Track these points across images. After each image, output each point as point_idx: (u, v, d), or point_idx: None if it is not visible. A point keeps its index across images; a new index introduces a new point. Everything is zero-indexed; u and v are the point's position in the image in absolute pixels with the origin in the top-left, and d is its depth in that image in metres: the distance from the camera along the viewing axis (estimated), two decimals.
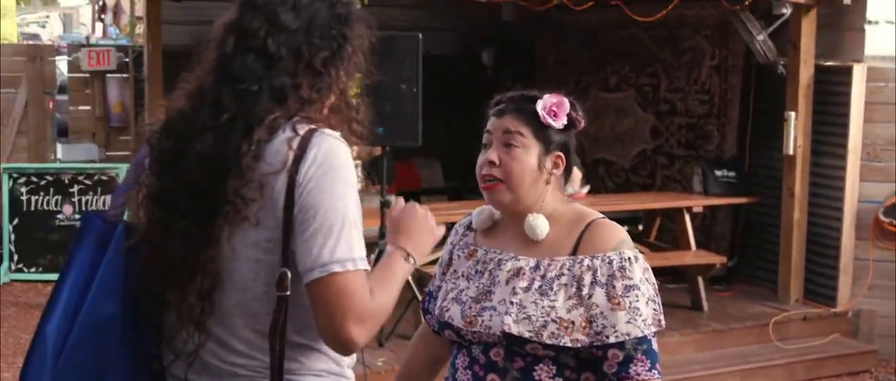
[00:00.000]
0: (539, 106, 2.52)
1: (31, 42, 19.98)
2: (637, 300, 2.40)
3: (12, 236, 8.86)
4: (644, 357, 2.39)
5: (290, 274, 2.20)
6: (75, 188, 8.93)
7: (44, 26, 33.36)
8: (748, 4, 7.86)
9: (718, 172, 8.31)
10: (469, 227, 2.71)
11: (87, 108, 9.80)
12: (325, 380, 2.33)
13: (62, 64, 11.07)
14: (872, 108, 7.66)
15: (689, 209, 8.06)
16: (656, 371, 2.41)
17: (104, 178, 8.98)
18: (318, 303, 2.18)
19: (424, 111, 6.32)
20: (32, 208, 8.89)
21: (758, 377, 7.03)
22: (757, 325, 7.47)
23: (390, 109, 5.91)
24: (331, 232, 2.16)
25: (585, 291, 2.41)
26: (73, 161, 9.41)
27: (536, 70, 10.54)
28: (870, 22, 7.75)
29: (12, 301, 8.24)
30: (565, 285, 2.43)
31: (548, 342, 2.39)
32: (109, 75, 9.73)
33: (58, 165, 9.27)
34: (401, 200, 2.56)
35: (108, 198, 8.37)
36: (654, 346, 2.43)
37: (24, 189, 8.88)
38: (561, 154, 2.55)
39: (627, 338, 2.38)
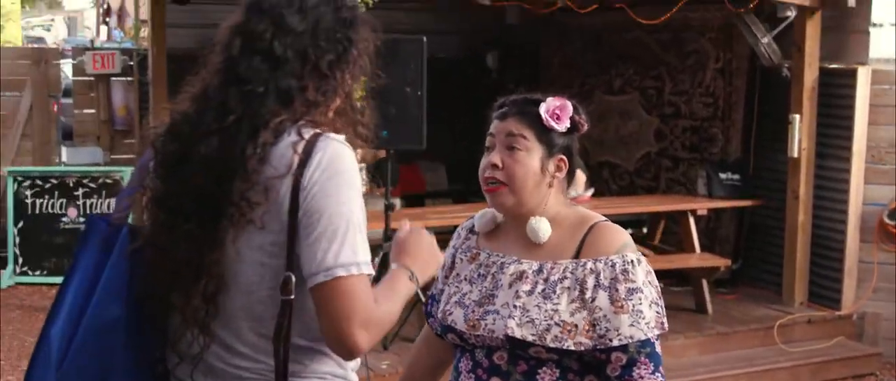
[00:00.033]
0: (542, 109, 2.52)
1: (35, 45, 20.00)
2: (640, 303, 2.40)
3: (17, 239, 8.87)
4: (647, 360, 2.40)
5: (294, 278, 2.20)
6: (80, 191, 8.94)
7: (48, 30, 33.40)
8: (752, 7, 7.86)
9: (723, 175, 8.30)
10: (471, 230, 2.71)
11: (92, 111, 9.80)
12: None
13: (67, 67, 11.07)
14: (877, 110, 7.66)
15: (693, 212, 8.05)
16: (660, 374, 2.42)
17: (109, 181, 8.99)
18: (323, 307, 2.18)
19: (429, 114, 6.32)
20: (37, 212, 8.90)
21: (762, 380, 7.02)
22: (761, 328, 7.46)
23: (395, 113, 5.91)
24: (335, 236, 2.16)
25: (588, 294, 2.41)
26: (77, 164, 9.42)
27: (541, 73, 10.55)
28: (874, 25, 7.75)
29: (17, 304, 8.25)
30: (568, 288, 2.43)
31: (551, 345, 2.39)
32: (114, 79, 9.73)
33: (62, 168, 9.28)
34: (407, 222, 2.56)
35: (113, 201, 8.38)
36: (658, 349, 2.43)
37: (28, 192, 8.89)
38: (564, 157, 2.56)
39: (631, 341, 2.38)
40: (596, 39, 9.92)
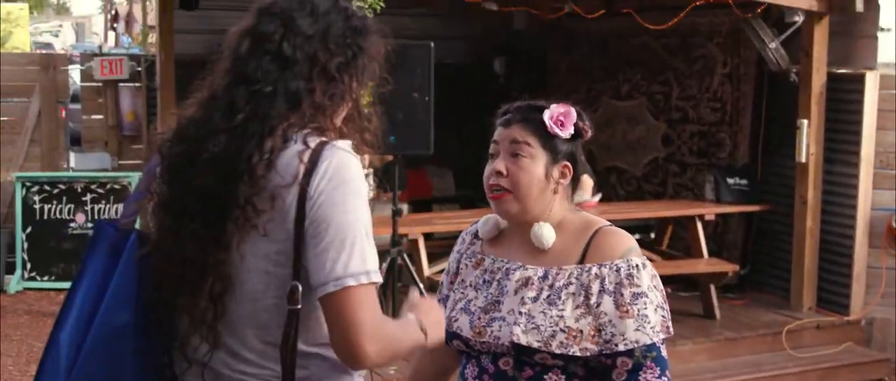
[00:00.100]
0: (546, 116, 2.52)
1: (43, 51, 20.05)
2: (645, 308, 2.40)
3: (25, 245, 8.89)
4: (654, 364, 2.40)
5: (300, 288, 2.20)
6: (88, 197, 8.96)
7: (57, 35, 33.47)
8: (760, 12, 7.86)
9: (730, 180, 8.29)
10: (476, 235, 2.71)
11: (100, 117, 9.83)
12: None
13: (75, 73, 11.11)
14: (885, 115, 7.64)
15: (701, 217, 8.05)
16: (666, 378, 2.42)
17: (117, 186, 9.01)
18: (333, 317, 2.18)
19: (436, 120, 6.33)
20: (45, 217, 8.92)
21: None
22: (769, 333, 7.45)
23: (402, 118, 5.91)
24: (343, 246, 2.16)
25: (593, 299, 2.41)
26: (85, 170, 9.44)
27: (548, 78, 10.55)
28: (882, 29, 7.73)
29: (25, 309, 8.26)
30: (573, 293, 2.43)
31: (557, 351, 2.39)
32: (122, 84, 9.76)
33: (70, 173, 9.30)
34: (416, 292, 2.55)
35: (121, 206, 8.40)
36: (664, 353, 2.43)
37: (36, 198, 8.91)
38: (568, 164, 2.56)
39: (636, 346, 2.38)
40: (603, 45, 9.91)
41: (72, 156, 9.86)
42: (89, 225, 8.85)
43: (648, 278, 2.45)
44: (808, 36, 7.65)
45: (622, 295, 2.40)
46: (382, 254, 6.51)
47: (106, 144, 9.80)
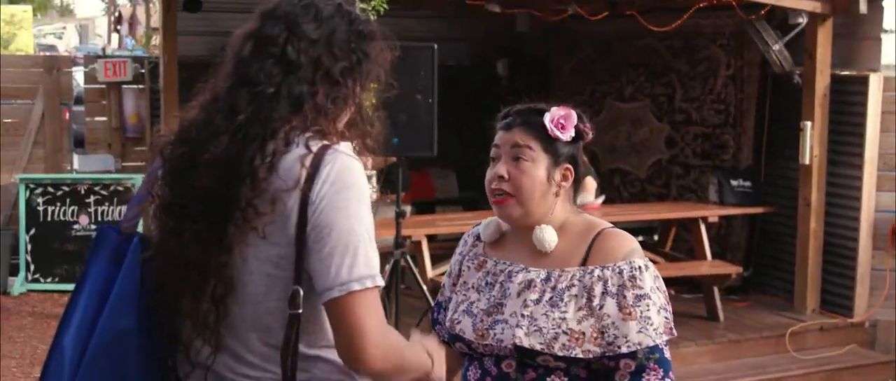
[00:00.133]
0: (546, 119, 2.52)
1: (47, 53, 20.08)
2: (648, 310, 2.40)
3: (29, 247, 8.89)
4: (657, 366, 2.39)
5: (302, 292, 2.20)
6: (91, 199, 8.96)
7: (60, 37, 33.54)
8: (764, 14, 7.86)
9: (734, 182, 8.29)
10: (478, 237, 2.70)
11: (104, 118, 9.83)
12: None
13: (78, 75, 11.12)
14: (889, 117, 7.64)
15: (704, 219, 8.05)
16: (669, 380, 2.41)
17: (120, 188, 9.01)
18: (338, 321, 2.18)
19: (439, 121, 6.33)
20: (49, 219, 8.92)
21: None
22: (773, 335, 7.45)
23: (406, 120, 5.91)
24: (347, 250, 2.16)
25: (596, 301, 2.41)
26: (89, 172, 9.44)
27: (551, 80, 10.55)
28: (886, 31, 7.74)
29: (29, 311, 8.27)
30: (576, 296, 2.43)
31: (559, 353, 2.39)
32: (125, 86, 9.76)
33: (74, 175, 9.30)
34: (418, 332, 2.54)
35: (125, 208, 8.41)
36: (667, 354, 2.43)
37: (40, 200, 8.91)
38: (570, 166, 2.55)
39: (639, 348, 2.38)
40: (606, 47, 9.92)
41: (75, 158, 9.86)
42: (93, 227, 8.85)
43: (651, 279, 2.44)
44: (811, 38, 7.65)
45: (625, 297, 2.40)
46: (386, 256, 6.54)
47: (109, 146, 9.80)
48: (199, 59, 8.00)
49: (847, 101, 7.72)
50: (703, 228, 7.98)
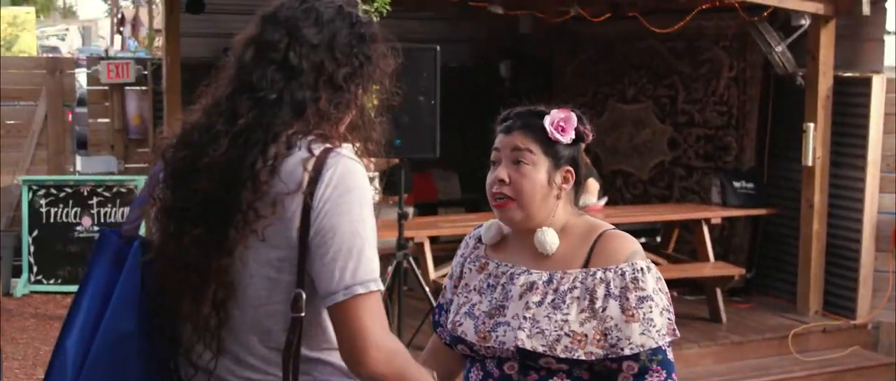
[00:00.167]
0: (546, 122, 2.51)
1: (50, 55, 20.09)
2: (651, 311, 2.40)
3: (32, 248, 8.90)
4: (660, 368, 2.39)
5: (304, 295, 2.20)
6: (94, 200, 8.97)
7: (63, 39, 33.57)
8: (767, 15, 7.86)
9: (737, 184, 8.29)
10: (479, 239, 2.70)
11: (106, 120, 9.84)
12: None
13: (81, 76, 11.12)
14: (892, 119, 7.64)
15: (707, 221, 8.04)
16: None
17: (123, 190, 9.02)
18: (341, 325, 2.18)
19: (442, 123, 6.33)
20: (51, 220, 8.93)
21: None
22: (776, 337, 7.44)
23: (408, 121, 5.91)
24: (350, 254, 2.16)
25: (599, 304, 2.41)
26: (92, 173, 9.45)
27: (553, 82, 10.55)
28: (889, 33, 7.73)
29: (32, 313, 8.27)
30: (578, 298, 2.43)
31: (561, 355, 2.39)
32: (128, 88, 9.76)
33: (77, 177, 9.31)
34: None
35: (127, 210, 8.42)
36: (670, 356, 2.43)
37: (43, 201, 8.92)
38: (570, 169, 2.55)
39: (642, 350, 2.38)
40: (609, 48, 9.91)
41: (78, 159, 9.86)
42: (95, 228, 8.86)
43: (653, 281, 2.44)
44: (814, 39, 7.65)
45: (628, 299, 2.40)
46: (388, 257, 6.53)
47: (112, 148, 9.81)
48: (202, 61, 8.00)
49: (850, 102, 7.72)
50: (705, 229, 7.98)
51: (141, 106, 9.78)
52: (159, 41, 11.72)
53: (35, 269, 8.90)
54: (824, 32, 7.61)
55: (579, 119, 2.56)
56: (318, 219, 2.17)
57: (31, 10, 25.45)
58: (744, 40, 8.55)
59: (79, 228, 8.94)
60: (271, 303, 2.24)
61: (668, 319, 2.43)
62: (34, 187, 8.93)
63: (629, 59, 9.72)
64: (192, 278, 2.24)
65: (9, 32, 21.50)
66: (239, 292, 2.24)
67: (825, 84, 7.65)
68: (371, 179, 2.26)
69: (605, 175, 9.38)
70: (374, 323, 2.17)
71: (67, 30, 36.33)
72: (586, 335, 2.39)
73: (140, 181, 8.80)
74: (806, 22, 7.66)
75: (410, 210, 7.99)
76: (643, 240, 8.17)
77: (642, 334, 2.37)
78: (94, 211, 8.96)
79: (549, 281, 2.48)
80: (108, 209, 8.98)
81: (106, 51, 14.94)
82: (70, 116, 9.65)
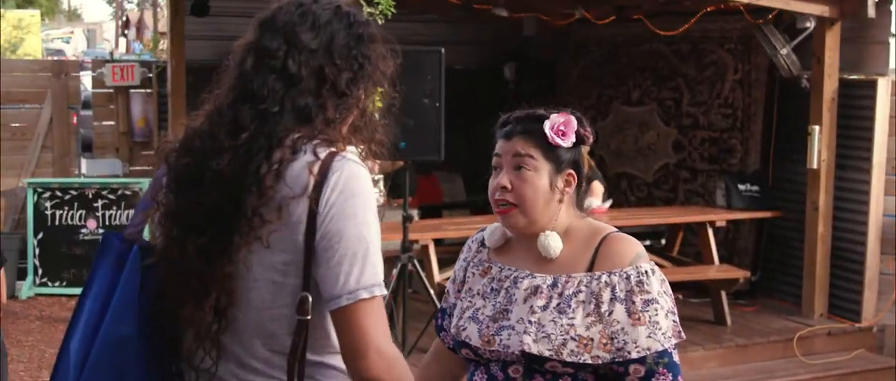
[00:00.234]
0: (546, 127, 2.51)
1: (55, 58, 20.12)
2: (656, 314, 2.39)
3: (37, 251, 8.91)
4: (666, 370, 2.39)
5: (310, 298, 2.20)
6: (99, 203, 8.98)
7: (68, 42, 33.63)
8: (772, 18, 7.85)
9: (742, 187, 8.28)
10: (482, 242, 2.69)
11: (111, 123, 9.86)
12: None
13: (86, 79, 11.14)
14: None
15: (712, 224, 8.03)
16: None
17: (128, 193, 9.03)
18: (344, 329, 2.18)
19: (446, 125, 6.34)
20: (57, 223, 8.94)
21: None
22: (781, 340, 7.43)
23: (413, 124, 5.91)
24: (356, 259, 2.16)
25: (605, 307, 2.40)
26: (97, 176, 9.46)
27: (558, 84, 10.55)
28: (894, 35, 7.72)
29: (37, 315, 8.28)
30: (583, 302, 2.43)
31: (568, 360, 2.39)
32: (133, 91, 9.78)
33: (82, 179, 9.32)
34: None
35: (132, 212, 8.42)
36: (676, 358, 2.43)
37: (48, 204, 8.93)
38: (572, 172, 2.54)
39: (648, 353, 2.37)
40: (613, 51, 9.91)
41: (83, 162, 9.88)
42: (100, 231, 8.87)
43: (658, 283, 2.44)
44: (819, 42, 7.64)
45: (634, 303, 2.39)
46: (392, 260, 6.53)
47: (117, 151, 9.82)
48: (207, 64, 8.00)
49: (855, 105, 7.71)
50: (710, 232, 7.97)
51: (146, 109, 9.80)
52: (164, 44, 11.72)
53: (40, 271, 8.91)
54: (829, 35, 7.60)
55: (579, 122, 2.55)
56: (324, 223, 2.17)
57: (36, 13, 25.52)
58: (749, 43, 8.55)
59: (84, 230, 8.95)
60: (276, 307, 2.23)
61: (674, 321, 2.43)
62: (39, 190, 8.95)
63: (634, 62, 9.72)
64: (195, 285, 2.24)
65: (14, 35, 21.55)
66: (242, 296, 2.24)
67: (830, 87, 7.65)
68: (375, 182, 2.25)
69: (610, 178, 9.38)
70: (377, 329, 2.17)
71: (72, 33, 36.40)
72: (592, 339, 2.39)
73: (145, 184, 8.80)
74: (811, 24, 7.65)
75: (415, 213, 7.99)
76: (648, 242, 8.17)
77: (648, 337, 2.37)
78: (99, 214, 8.97)
79: (554, 285, 2.47)
80: (113, 212, 8.99)
81: (111, 54, 14.98)
82: (75, 119, 9.66)
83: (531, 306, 2.46)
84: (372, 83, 2.34)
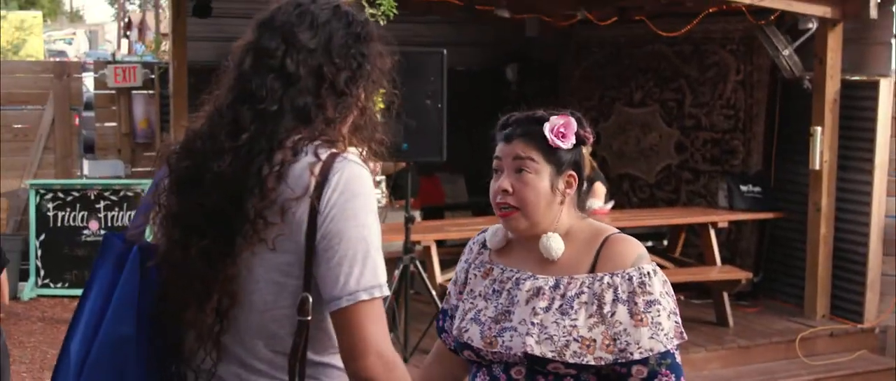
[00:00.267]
0: (546, 130, 2.50)
1: (57, 59, 20.13)
2: (659, 315, 2.39)
3: (39, 252, 8.91)
4: (669, 372, 2.39)
5: (311, 299, 2.20)
6: (101, 204, 8.98)
7: (70, 43, 33.63)
8: (774, 19, 7.85)
9: (744, 188, 8.28)
10: (483, 244, 2.69)
11: (114, 124, 9.86)
12: None
13: (88, 81, 11.15)
14: None
15: (714, 225, 8.03)
16: None
17: (130, 194, 9.03)
18: (343, 330, 2.18)
19: (449, 126, 6.33)
20: (59, 224, 8.94)
21: None
22: (783, 341, 7.43)
23: (415, 125, 5.92)
24: (356, 260, 2.16)
25: (607, 309, 2.40)
26: (99, 177, 9.46)
27: (560, 85, 10.55)
28: None
29: (39, 316, 8.29)
30: (586, 303, 2.42)
31: (571, 361, 2.38)
32: (135, 92, 9.79)
33: (84, 181, 9.32)
34: None
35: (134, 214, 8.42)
36: (678, 359, 2.43)
37: (50, 205, 8.93)
38: (573, 173, 2.54)
39: (651, 354, 2.37)
40: (616, 52, 9.91)
41: (85, 163, 9.88)
42: (102, 232, 8.87)
43: (660, 284, 2.44)
44: (821, 43, 7.64)
45: (636, 304, 2.39)
46: (394, 261, 6.53)
47: (119, 152, 9.83)
48: (209, 65, 7.96)
49: (857, 106, 7.71)
50: (712, 233, 7.97)
51: (148, 110, 9.80)
52: (166, 45, 11.72)
53: (42, 273, 8.92)
54: (831, 36, 7.60)
55: (579, 123, 2.55)
56: (325, 223, 2.17)
57: (39, 14, 25.54)
58: (751, 44, 8.55)
59: (86, 231, 8.96)
60: (278, 307, 2.23)
61: (676, 322, 2.43)
62: (41, 191, 8.95)
63: (636, 63, 9.72)
64: (197, 287, 2.24)
65: (16, 37, 21.57)
66: (245, 298, 2.24)
67: (832, 88, 7.65)
68: (377, 184, 2.25)
69: (612, 179, 9.38)
70: (377, 330, 2.17)
71: (74, 34, 36.40)
72: (595, 340, 2.39)
73: (147, 185, 8.76)
74: (813, 25, 7.65)
75: (417, 214, 7.99)
76: (650, 244, 8.17)
77: (651, 338, 2.37)
78: (102, 215, 8.97)
79: (556, 286, 2.47)
80: (116, 213, 8.99)
81: (113, 55, 15.00)
82: (77, 120, 9.67)
83: (533, 308, 2.46)
84: (371, 82, 2.34)
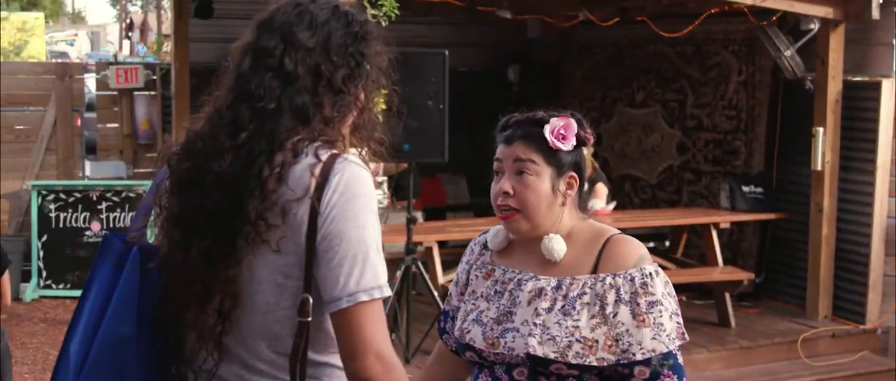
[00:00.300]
0: (547, 131, 2.50)
1: (59, 60, 20.14)
2: (661, 316, 2.39)
3: (41, 253, 8.92)
4: (671, 372, 2.39)
5: (312, 300, 2.20)
6: (103, 205, 8.99)
7: (72, 44, 33.62)
8: (776, 20, 7.85)
9: (746, 188, 8.28)
10: (485, 245, 2.69)
11: (115, 125, 9.87)
12: None
13: (90, 82, 11.15)
14: None
15: (716, 225, 8.03)
16: None
17: (132, 195, 9.04)
18: (343, 331, 2.18)
19: (450, 127, 6.34)
20: (61, 225, 8.95)
21: None
22: (785, 342, 7.43)
23: (417, 126, 5.92)
24: (356, 261, 2.16)
25: (609, 309, 2.40)
26: (101, 178, 9.47)
27: (562, 86, 10.55)
28: None
29: (41, 317, 8.29)
30: (588, 304, 2.42)
31: (573, 362, 2.38)
32: (137, 93, 9.80)
33: (86, 182, 9.33)
34: None
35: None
36: (680, 360, 2.43)
37: (52, 206, 8.94)
38: (574, 174, 2.54)
39: (653, 355, 2.37)
40: (617, 53, 9.91)
41: (87, 164, 9.89)
42: (104, 233, 8.87)
43: (662, 285, 2.44)
44: (823, 44, 7.64)
45: (638, 304, 2.39)
46: (396, 262, 6.54)
47: (121, 153, 9.83)
48: (211, 66, 7.98)
49: (859, 106, 7.70)
50: (714, 234, 7.97)
51: (150, 111, 9.81)
52: (168, 46, 11.73)
53: (44, 274, 8.93)
54: (833, 37, 7.60)
55: (579, 124, 2.54)
56: (325, 224, 2.17)
57: (40, 15, 25.54)
58: (753, 45, 8.54)
59: (88, 233, 8.96)
60: (279, 308, 2.23)
61: (678, 323, 2.43)
62: (43, 192, 8.96)
63: (638, 64, 9.71)
64: (198, 288, 2.24)
65: (18, 38, 21.56)
66: (247, 299, 2.24)
67: (834, 88, 7.64)
68: (379, 184, 2.25)
69: (614, 180, 9.37)
70: (377, 332, 2.17)
71: (76, 35, 36.38)
72: (597, 341, 2.39)
73: (149, 186, 8.81)
74: (815, 26, 7.65)
75: (419, 215, 7.99)
76: (652, 244, 8.17)
77: (653, 338, 2.37)
78: (104, 216, 8.98)
79: (558, 287, 2.47)
80: (118, 214, 9.00)
81: (115, 56, 15.00)
82: (79, 122, 9.67)
83: (535, 309, 2.46)
84: (370, 82, 2.34)
